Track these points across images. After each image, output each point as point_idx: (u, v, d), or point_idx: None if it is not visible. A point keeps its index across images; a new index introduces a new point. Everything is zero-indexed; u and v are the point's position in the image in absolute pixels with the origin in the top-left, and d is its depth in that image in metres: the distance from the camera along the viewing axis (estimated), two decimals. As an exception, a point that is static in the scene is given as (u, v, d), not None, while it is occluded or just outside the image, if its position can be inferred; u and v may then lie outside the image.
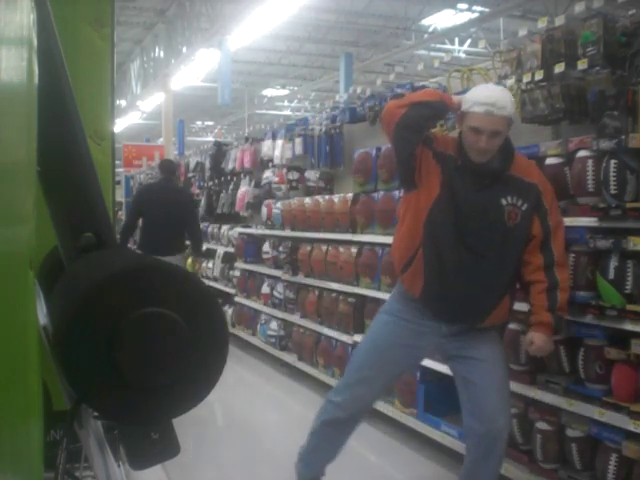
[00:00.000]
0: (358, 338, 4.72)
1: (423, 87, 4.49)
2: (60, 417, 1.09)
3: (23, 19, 0.74)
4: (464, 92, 3.84)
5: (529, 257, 2.70)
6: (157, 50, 17.80)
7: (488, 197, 2.66)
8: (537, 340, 2.69)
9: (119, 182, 12.91)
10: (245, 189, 7.31)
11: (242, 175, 7.60)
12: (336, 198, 5.11)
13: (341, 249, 5.01)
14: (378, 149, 4.59)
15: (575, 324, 2.95)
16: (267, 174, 6.63)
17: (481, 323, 2.76)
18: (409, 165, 2.75)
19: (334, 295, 5.12)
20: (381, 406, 4.34)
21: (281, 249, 6.10)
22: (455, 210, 2.65)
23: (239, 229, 7.32)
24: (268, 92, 24.24)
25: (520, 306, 3.22)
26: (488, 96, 2.60)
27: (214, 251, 8.21)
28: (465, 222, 2.66)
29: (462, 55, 16.85)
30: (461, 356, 2.79)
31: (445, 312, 2.77)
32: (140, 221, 6.29)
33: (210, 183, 8.57)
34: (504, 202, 2.65)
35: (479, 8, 14.69)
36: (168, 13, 16.21)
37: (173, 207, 5.94)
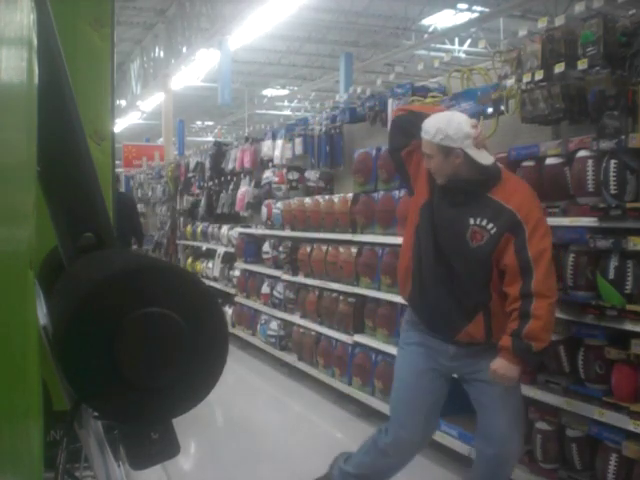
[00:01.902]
0: (358, 338, 4.72)
1: (423, 87, 4.50)
2: (60, 417, 1.09)
3: (23, 19, 0.74)
4: (464, 92, 3.85)
5: (507, 288, 2.64)
6: (157, 50, 17.80)
7: (457, 213, 2.71)
8: (493, 364, 2.61)
9: (119, 182, 12.91)
10: (245, 189, 7.31)
11: (242, 175, 7.60)
12: (336, 198, 5.11)
13: (341, 249, 5.01)
14: (378, 149, 4.59)
15: (575, 324, 2.95)
16: (267, 174, 6.63)
17: (456, 336, 2.75)
18: (402, 169, 2.94)
19: (334, 295, 5.12)
20: (381, 406, 4.34)
21: (281, 249, 6.10)
22: (432, 222, 2.76)
23: (239, 229, 7.32)
24: (268, 92, 24.23)
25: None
26: (425, 120, 2.75)
27: (214, 251, 8.21)
28: (436, 234, 2.75)
29: (462, 55, 16.85)
30: (473, 379, 2.81)
31: (425, 320, 2.84)
32: None
33: (210, 183, 8.56)
34: (471, 221, 2.67)
35: (479, 8, 14.69)
36: (168, 13, 16.21)
37: (122, 208, 6.24)
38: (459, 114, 2.88)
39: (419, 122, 2.80)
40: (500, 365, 2.60)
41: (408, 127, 2.86)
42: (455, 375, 2.93)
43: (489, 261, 2.67)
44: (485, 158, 2.70)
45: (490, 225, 2.65)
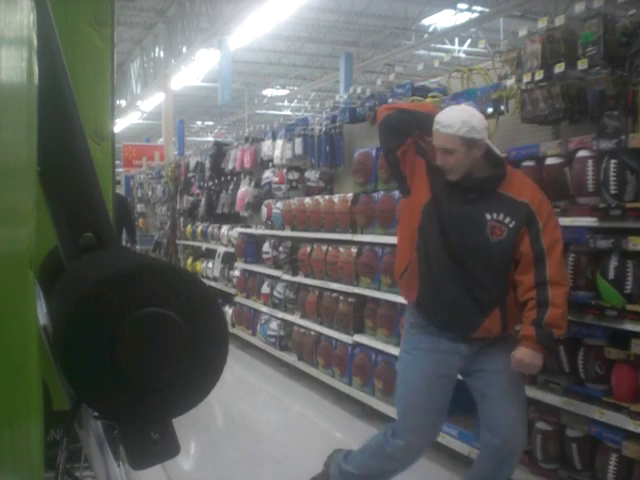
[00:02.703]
0: (358, 338, 4.73)
1: (423, 87, 4.50)
2: (60, 417, 1.09)
3: (23, 19, 0.74)
4: (464, 92, 3.85)
5: (520, 277, 2.68)
6: (157, 50, 17.80)
7: (472, 211, 2.70)
8: (518, 353, 2.63)
9: (119, 182, 12.92)
10: (245, 189, 7.31)
11: (242, 175, 7.60)
12: (336, 198, 5.11)
13: (341, 249, 5.01)
14: (378, 149, 4.59)
15: (575, 324, 2.95)
16: (267, 174, 6.63)
17: (472, 333, 2.74)
18: (397, 169, 2.88)
19: (334, 295, 5.12)
20: (381, 406, 4.34)
21: (281, 249, 6.10)
22: (439, 221, 2.72)
23: (239, 229, 7.32)
24: (268, 92, 24.24)
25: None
26: (440, 115, 2.72)
27: (214, 251, 8.21)
28: (448, 233, 2.71)
29: (462, 55, 16.85)
30: (478, 370, 2.80)
31: (438, 321, 2.79)
32: None
33: (210, 183, 8.56)
34: (488, 217, 2.67)
35: (479, 8, 14.69)
36: (168, 13, 16.22)
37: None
38: (469, 107, 2.89)
39: (414, 120, 2.79)
40: (525, 354, 2.63)
41: (402, 126, 2.83)
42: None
43: (510, 254, 2.69)
44: (497, 150, 2.76)
45: (508, 219, 2.67)
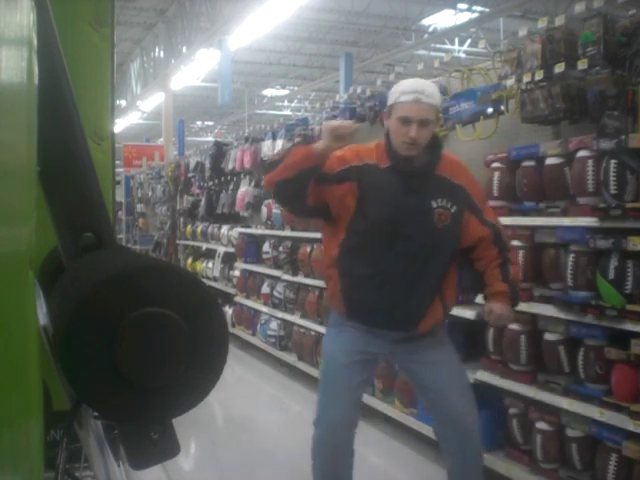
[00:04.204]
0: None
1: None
2: (60, 417, 1.09)
3: (23, 19, 0.74)
4: (464, 92, 3.85)
5: (482, 254, 2.68)
6: (157, 50, 17.81)
7: (419, 200, 2.58)
8: (495, 308, 2.65)
9: (119, 182, 12.92)
10: (245, 189, 7.31)
11: (242, 175, 7.60)
12: (336, 198, 5.10)
13: (341, 249, 5.00)
14: (378, 149, 4.59)
15: (575, 324, 2.95)
16: (267, 174, 6.62)
17: (416, 329, 2.65)
18: (322, 210, 2.67)
19: (334, 295, 5.11)
20: (381, 406, 4.34)
21: (281, 249, 6.10)
22: (386, 219, 2.56)
23: (239, 229, 7.32)
24: (268, 92, 24.24)
25: (520, 306, 3.23)
26: (414, 84, 2.55)
27: (214, 251, 8.21)
28: (395, 228, 2.57)
29: (462, 55, 16.84)
30: (413, 361, 2.73)
31: (376, 323, 2.67)
32: None
33: (210, 183, 8.56)
34: (434, 204, 2.58)
35: (479, 8, 14.70)
36: (168, 13, 16.23)
37: None
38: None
39: (302, 178, 2.52)
40: (502, 308, 2.65)
41: (294, 194, 2.58)
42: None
43: (456, 239, 2.65)
44: None
45: (450, 204, 2.59)
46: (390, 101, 2.60)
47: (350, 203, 2.59)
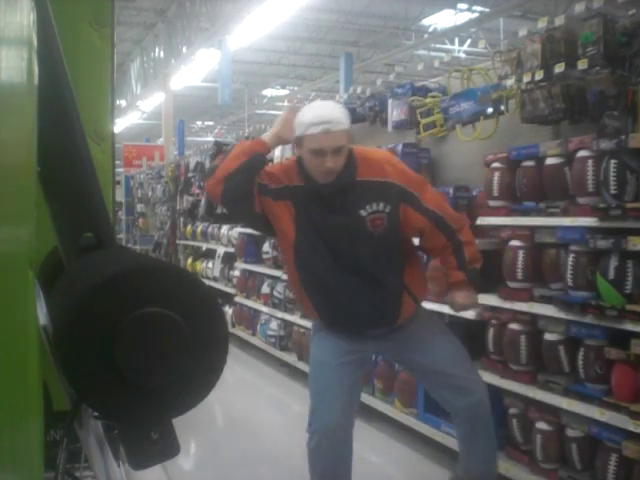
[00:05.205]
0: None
1: (423, 87, 4.49)
2: (60, 417, 1.09)
3: (23, 19, 0.74)
4: (464, 92, 3.85)
5: (431, 244, 2.68)
6: (157, 50, 17.81)
7: (346, 214, 2.52)
8: (457, 298, 2.66)
9: (119, 182, 12.91)
10: (245, 189, 7.29)
11: (242, 175, 7.59)
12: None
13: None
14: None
15: (575, 324, 2.95)
16: (267, 174, 6.62)
17: (393, 325, 2.67)
18: (258, 223, 2.67)
19: (334, 295, 5.11)
20: (381, 406, 4.34)
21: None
22: (322, 238, 2.54)
23: (239, 229, 7.32)
24: (268, 92, 24.23)
25: (520, 306, 3.23)
26: (321, 115, 2.44)
27: (214, 251, 8.21)
28: (333, 247, 2.54)
29: (462, 55, 16.85)
30: (402, 349, 2.73)
31: (353, 328, 2.67)
32: None
33: (210, 183, 8.55)
34: (363, 213, 2.51)
35: (479, 8, 14.70)
36: (168, 13, 16.23)
37: None
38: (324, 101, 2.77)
39: (248, 173, 2.51)
40: (464, 297, 2.67)
41: (240, 190, 2.52)
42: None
43: (400, 237, 2.61)
44: None
45: (381, 205, 2.53)
46: (298, 132, 2.49)
47: (289, 224, 2.57)
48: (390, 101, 4.58)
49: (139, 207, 12.71)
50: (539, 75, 3.27)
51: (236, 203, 2.59)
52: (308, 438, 2.69)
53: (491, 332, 3.45)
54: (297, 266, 2.65)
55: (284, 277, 5.97)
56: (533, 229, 3.23)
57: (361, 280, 2.57)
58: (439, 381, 2.75)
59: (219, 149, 8.34)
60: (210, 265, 8.31)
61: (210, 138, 25.76)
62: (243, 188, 2.51)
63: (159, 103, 18.35)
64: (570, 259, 2.97)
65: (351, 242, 2.54)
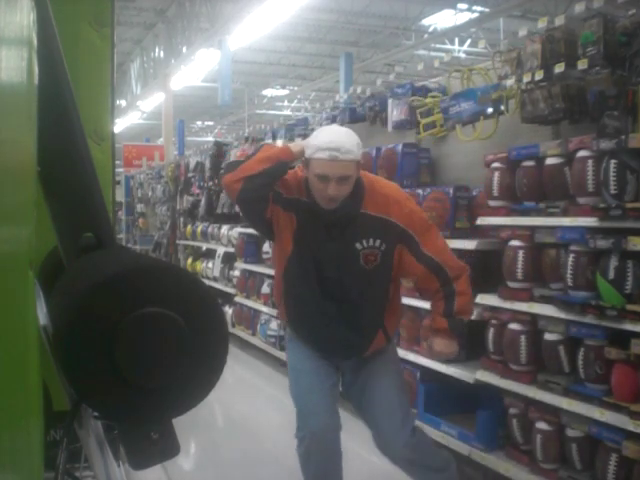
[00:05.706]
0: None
1: (423, 87, 4.49)
2: (60, 417, 1.09)
3: (23, 19, 0.74)
4: (464, 92, 3.85)
5: (424, 286, 2.64)
6: (157, 50, 17.82)
7: (342, 244, 2.53)
8: (435, 345, 2.65)
9: (119, 182, 12.92)
10: (245, 189, 7.29)
11: (242, 175, 7.58)
12: (336, 198, 5.10)
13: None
14: (378, 149, 4.59)
15: (575, 324, 2.95)
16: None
17: (360, 356, 2.69)
18: (263, 226, 2.67)
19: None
20: (381, 406, 4.34)
21: (281, 249, 6.10)
22: (313, 260, 2.55)
23: (239, 229, 7.32)
24: (268, 92, 24.24)
25: (520, 306, 3.23)
26: (331, 140, 2.39)
27: (214, 251, 8.21)
28: (322, 271, 2.55)
29: (462, 55, 16.85)
30: (359, 370, 2.74)
31: (323, 353, 2.71)
32: None
33: (210, 183, 8.56)
34: (359, 246, 2.51)
35: (479, 8, 14.70)
36: (168, 13, 16.23)
37: None
38: (338, 126, 2.72)
39: (269, 178, 2.50)
40: (443, 345, 2.64)
41: (259, 192, 2.51)
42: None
43: (389, 275, 2.61)
44: None
45: (378, 242, 2.52)
46: (307, 153, 2.47)
47: (289, 238, 2.58)
48: (390, 101, 4.58)
49: (139, 207, 12.72)
50: (539, 75, 3.27)
51: (251, 204, 2.59)
52: (297, 443, 2.68)
53: (491, 332, 3.45)
54: (284, 278, 2.67)
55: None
56: (533, 229, 3.23)
57: (342, 309, 2.59)
58: (371, 424, 2.74)
59: (219, 149, 8.34)
60: (210, 265, 8.31)
61: (210, 138, 25.77)
62: (261, 192, 2.50)
63: (159, 103, 18.35)
64: (570, 259, 2.97)
65: (341, 271, 2.56)
